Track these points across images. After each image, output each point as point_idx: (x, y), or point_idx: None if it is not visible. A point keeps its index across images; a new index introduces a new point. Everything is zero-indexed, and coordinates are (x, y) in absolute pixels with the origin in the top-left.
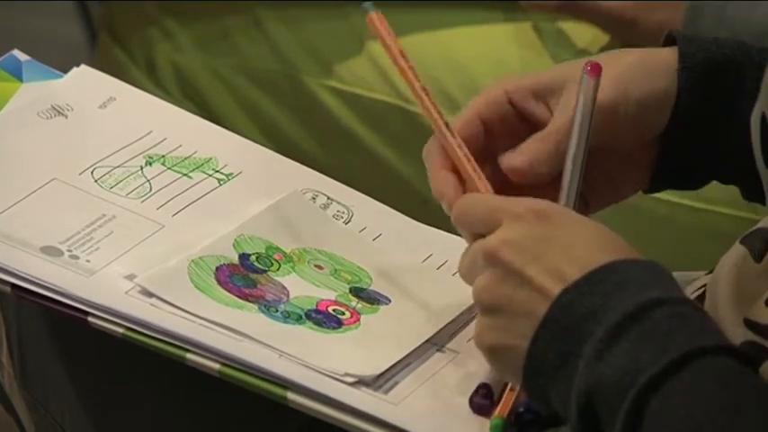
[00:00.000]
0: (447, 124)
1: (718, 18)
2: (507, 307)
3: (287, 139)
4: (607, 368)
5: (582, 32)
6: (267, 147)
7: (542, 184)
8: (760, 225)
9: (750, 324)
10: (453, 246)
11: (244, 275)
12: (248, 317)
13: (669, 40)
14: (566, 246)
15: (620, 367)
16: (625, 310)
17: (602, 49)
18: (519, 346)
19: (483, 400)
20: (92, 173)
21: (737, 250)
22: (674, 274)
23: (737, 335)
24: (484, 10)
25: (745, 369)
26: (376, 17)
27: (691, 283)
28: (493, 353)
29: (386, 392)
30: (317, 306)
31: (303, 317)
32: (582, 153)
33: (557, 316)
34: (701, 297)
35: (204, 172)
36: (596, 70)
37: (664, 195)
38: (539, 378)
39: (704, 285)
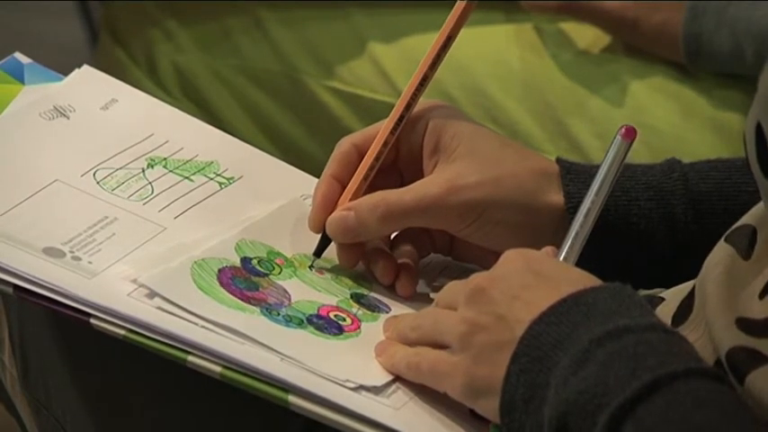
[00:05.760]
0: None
1: (718, 18)
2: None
3: (288, 139)
4: (573, 393)
5: (583, 33)
6: (268, 147)
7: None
8: (743, 222)
9: (743, 323)
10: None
11: (246, 278)
12: (251, 319)
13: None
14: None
15: (586, 391)
16: (591, 337)
17: (603, 50)
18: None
19: None
20: (94, 174)
21: (724, 249)
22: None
23: (728, 339)
24: (484, 10)
25: (718, 388)
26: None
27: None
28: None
29: (387, 397)
30: (318, 311)
31: (305, 321)
32: (597, 210)
33: (525, 349)
34: (691, 295)
35: (205, 175)
36: (631, 134)
37: None
38: (513, 413)
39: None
